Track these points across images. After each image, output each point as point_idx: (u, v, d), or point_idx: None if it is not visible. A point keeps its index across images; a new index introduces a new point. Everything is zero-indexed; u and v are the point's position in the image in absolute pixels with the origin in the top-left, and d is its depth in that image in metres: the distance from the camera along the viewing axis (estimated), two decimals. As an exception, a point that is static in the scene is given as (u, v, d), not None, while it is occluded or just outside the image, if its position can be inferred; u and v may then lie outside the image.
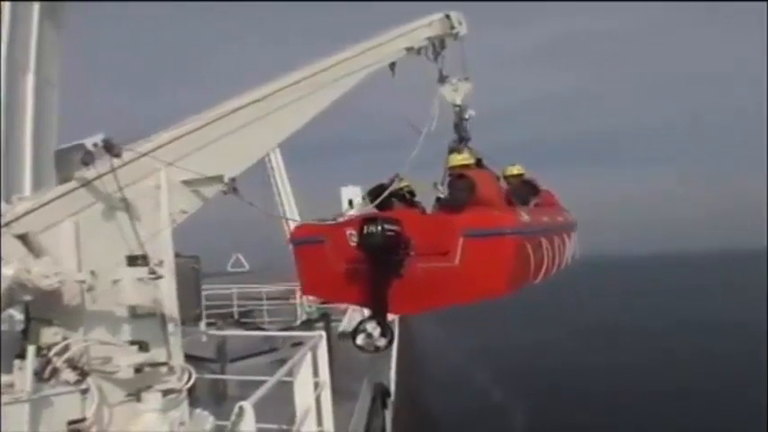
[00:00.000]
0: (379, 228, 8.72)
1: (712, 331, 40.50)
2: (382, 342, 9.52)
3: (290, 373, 7.63)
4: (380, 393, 12.82)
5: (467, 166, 10.34)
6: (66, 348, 5.35)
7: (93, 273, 5.49)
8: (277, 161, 28.15)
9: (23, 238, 5.29)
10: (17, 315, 5.78)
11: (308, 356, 8.03)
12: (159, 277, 5.76)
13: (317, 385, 8.17)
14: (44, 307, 5.43)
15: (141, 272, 5.66)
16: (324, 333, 9.15)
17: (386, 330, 9.49)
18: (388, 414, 13.27)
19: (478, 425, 22.60)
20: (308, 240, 10.39)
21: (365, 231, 8.83)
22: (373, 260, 9.12)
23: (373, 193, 10.11)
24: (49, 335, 5.37)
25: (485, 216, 9.35)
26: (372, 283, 9.28)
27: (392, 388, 14.67)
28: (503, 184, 11.81)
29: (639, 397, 25.68)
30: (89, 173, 5.63)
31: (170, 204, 6.13)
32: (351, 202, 22.98)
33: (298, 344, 10.83)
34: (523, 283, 9.69)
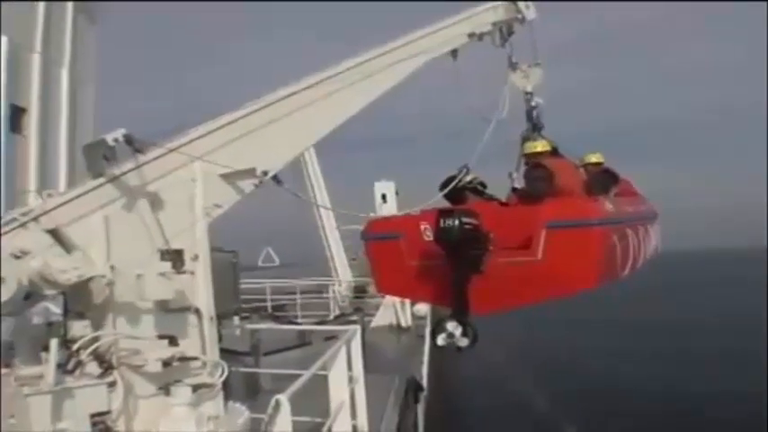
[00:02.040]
0: (457, 221, 8.25)
1: (713, 328, 40.13)
2: (464, 342, 8.92)
3: (324, 367, 7.61)
4: (413, 387, 12.75)
5: (544, 153, 9.84)
6: (92, 341, 5.39)
7: (112, 268, 5.52)
8: (310, 155, 28.13)
9: (54, 232, 5.34)
10: (53, 308, 5.84)
11: (343, 350, 8.01)
12: (183, 272, 5.79)
13: (350, 379, 8.15)
14: (77, 301, 5.50)
15: (164, 267, 5.69)
16: (358, 327, 9.09)
17: (468, 330, 8.91)
18: (421, 408, 13.22)
19: (511, 419, 22.47)
20: (381, 236, 9.94)
21: (442, 225, 8.37)
22: (451, 255, 8.64)
23: (445, 186, 10.05)
24: (78, 328, 5.42)
25: (568, 205, 8.87)
26: (451, 279, 8.79)
27: (425, 382, 14.61)
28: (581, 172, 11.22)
29: (640, 394, 25.37)
30: (119, 168, 5.69)
31: (204, 198, 6.15)
32: (384, 197, 22.83)
33: (331, 338, 10.82)
34: (612, 276, 9.23)
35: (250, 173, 6.32)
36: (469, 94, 8.72)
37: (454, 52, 8.40)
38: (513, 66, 9.74)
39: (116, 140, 5.47)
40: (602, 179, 11.10)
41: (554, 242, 8.34)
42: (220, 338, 8.97)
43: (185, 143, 6.08)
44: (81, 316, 5.50)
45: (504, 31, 9.32)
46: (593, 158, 11.56)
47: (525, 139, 10.07)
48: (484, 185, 10.11)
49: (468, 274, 8.64)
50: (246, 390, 9.44)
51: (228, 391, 6.86)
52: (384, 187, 22.94)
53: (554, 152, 10.23)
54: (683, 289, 65.84)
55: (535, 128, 10.15)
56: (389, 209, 20.76)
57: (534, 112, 10.11)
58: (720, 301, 54.94)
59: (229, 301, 8.98)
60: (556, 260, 8.31)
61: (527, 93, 9.96)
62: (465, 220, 8.28)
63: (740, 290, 61.97)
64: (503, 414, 22.71)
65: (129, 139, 5.51)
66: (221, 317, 9.55)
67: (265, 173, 6.36)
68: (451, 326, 8.87)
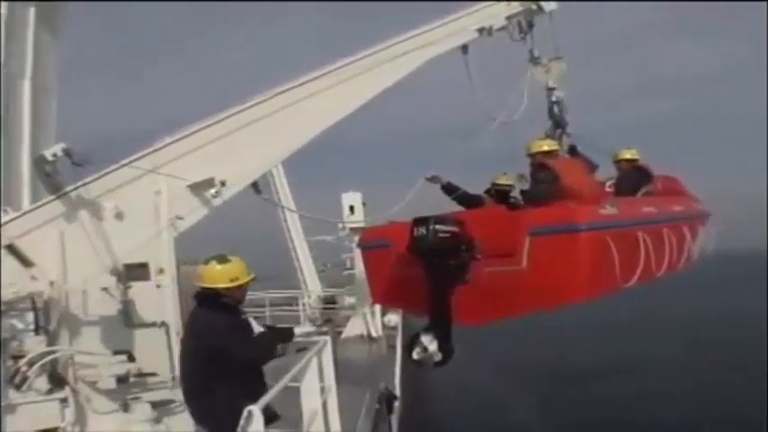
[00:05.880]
0: (431, 229, 7.70)
1: (713, 328, 40.21)
2: (439, 357, 8.33)
3: (296, 378, 7.55)
4: (386, 398, 12.67)
5: (549, 153, 9.09)
6: (42, 356, 5.35)
7: (52, 284, 5.47)
8: (277, 167, 28.04)
9: (10, 248, 5.31)
10: (18, 324, 5.76)
11: (314, 361, 7.94)
12: (129, 287, 5.75)
13: (323, 390, 8.08)
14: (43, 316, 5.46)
15: (108, 281, 5.66)
16: (329, 338, 9.00)
17: (444, 344, 8.34)
18: (395, 418, 13.16)
19: (487, 426, 22.42)
20: (373, 245, 9.40)
21: (415, 234, 7.80)
22: (427, 266, 8.06)
23: (488, 192, 9.74)
24: (33, 343, 5.38)
25: (554, 210, 8.15)
26: (429, 290, 8.22)
27: (398, 392, 14.57)
28: (607, 169, 10.68)
29: (635, 396, 25.33)
30: (66, 182, 5.70)
31: (166, 210, 6.12)
32: (352, 209, 22.76)
33: (302, 349, 10.73)
34: (609, 286, 8.37)
35: (208, 183, 6.23)
36: (482, 93, 8.58)
37: (465, 48, 8.21)
38: (535, 60, 9.47)
39: (55, 155, 5.42)
40: (630, 177, 10.56)
41: (538, 250, 7.82)
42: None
43: (140, 157, 6.08)
44: (46, 331, 5.45)
45: (524, 24, 9.10)
46: (628, 155, 10.83)
47: (549, 138, 9.55)
48: (506, 189, 9.80)
49: (450, 285, 8.15)
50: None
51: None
52: (351, 198, 22.80)
53: (572, 151, 9.91)
54: (683, 289, 65.38)
55: (558, 125, 9.78)
56: (357, 220, 20.67)
57: (557, 109, 9.70)
58: (720, 302, 54.77)
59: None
60: (541, 269, 7.76)
61: (549, 88, 9.64)
62: (439, 227, 7.75)
63: (740, 290, 61.82)
64: (480, 422, 22.62)
65: (68, 153, 5.45)
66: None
67: (223, 183, 6.25)
68: (426, 340, 8.35)
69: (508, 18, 8.72)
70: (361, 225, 17.07)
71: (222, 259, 6.08)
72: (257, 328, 6.68)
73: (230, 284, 5.99)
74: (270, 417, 5.61)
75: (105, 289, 5.55)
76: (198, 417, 6.09)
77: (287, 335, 6.56)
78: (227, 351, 5.93)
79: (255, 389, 5.42)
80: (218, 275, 5.96)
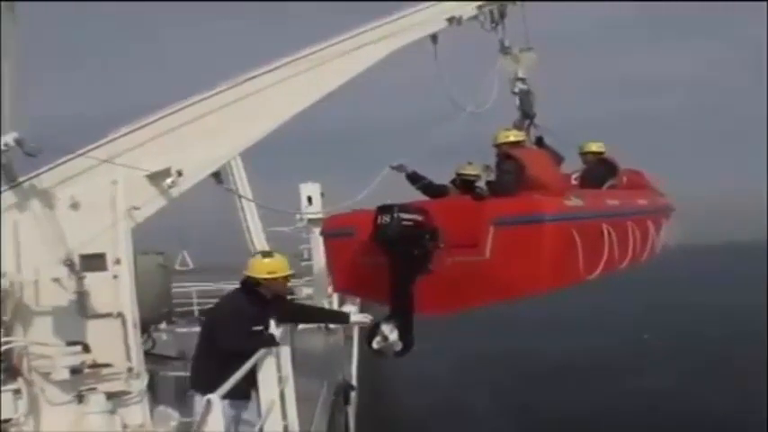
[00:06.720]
0: (394, 217, 7.72)
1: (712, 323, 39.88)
2: (400, 347, 8.31)
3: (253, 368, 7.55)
4: (343, 388, 12.69)
5: (516, 143, 9.02)
6: None
7: (4, 274, 5.45)
8: (236, 159, 27.80)
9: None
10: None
11: (272, 351, 7.96)
12: (82, 277, 5.72)
13: (280, 380, 8.08)
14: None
15: (60, 272, 5.63)
16: (287, 328, 8.99)
17: (404, 333, 8.28)
18: (351, 409, 13.20)
19: (446, 417, 22.47)
20: (335, 233, 9.35)
21: (379, 222, 7.83)
22: (390, 254, 8.06)
23: (453, 181, 9.74)
24: None
25: (518, 201, 8.15)
26: (391, 279, 8.18)
27: (354, 382, 14.61)
28: (573, 161, 10.79)
29: (632, 394, 24.92)
30: (30, 172, 5.68)
31: (121, 201, 6.10)
32: (310, 199, 22.62)
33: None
34: (571, 277, 8.44)
35: (164, 173, 6.21)
36: (451, 83, 8.49)
37: (434, 37, 8.10)
38: (505, 50, 9.43)
39: (7, 145, 5.36)
40: (596, 170, 10.62)
41: (502, 240, 7.81)
42: (153, 344, 8.85)
43: (96, 146, 6.04)
44: (1, 322, 5.42)
45: (496, 14, 9.05)
46: (594, 147, 10.90)
47: (517, 129, 9.53)
48: (470, 179, 9.83)
49: (412, 274, 8.12)
50: (177, 394, 9.30)
51: (156, 395, 6.77)
52: (310, 189, 22.66)
53: (539, 143, 9.93)
54: (682, 283, 64.69)
55: (526, 116, 9.78)
56: (315, 211, 20.56)
57: (526, 100, 9.72)
58: (720, 295, 54.26)
59: (160, 305, 8.79)
60: (504, 260, 7.79)
61: (518, 79, 9.64)
62: (403, 216, 7.75)
63: (740, 283, 61.32)
64: (438, 413, 22.59)
65: (20, 143, 5.36)
66: (153, 321, 9.35)
67: (180, 173, 6.23)
68: (387, 329, 8.28)
69: (479, 7, 8.66)
70: (319, 216, 17.02)
71: (267, 254, 7.42)
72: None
73: (267, 276, 7.04)
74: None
75: (58, 280, 5.51)
76: (191, 382, 7.08)
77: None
78: (216, 334, 6.89)
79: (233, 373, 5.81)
80: (259, 267, 7.13)
